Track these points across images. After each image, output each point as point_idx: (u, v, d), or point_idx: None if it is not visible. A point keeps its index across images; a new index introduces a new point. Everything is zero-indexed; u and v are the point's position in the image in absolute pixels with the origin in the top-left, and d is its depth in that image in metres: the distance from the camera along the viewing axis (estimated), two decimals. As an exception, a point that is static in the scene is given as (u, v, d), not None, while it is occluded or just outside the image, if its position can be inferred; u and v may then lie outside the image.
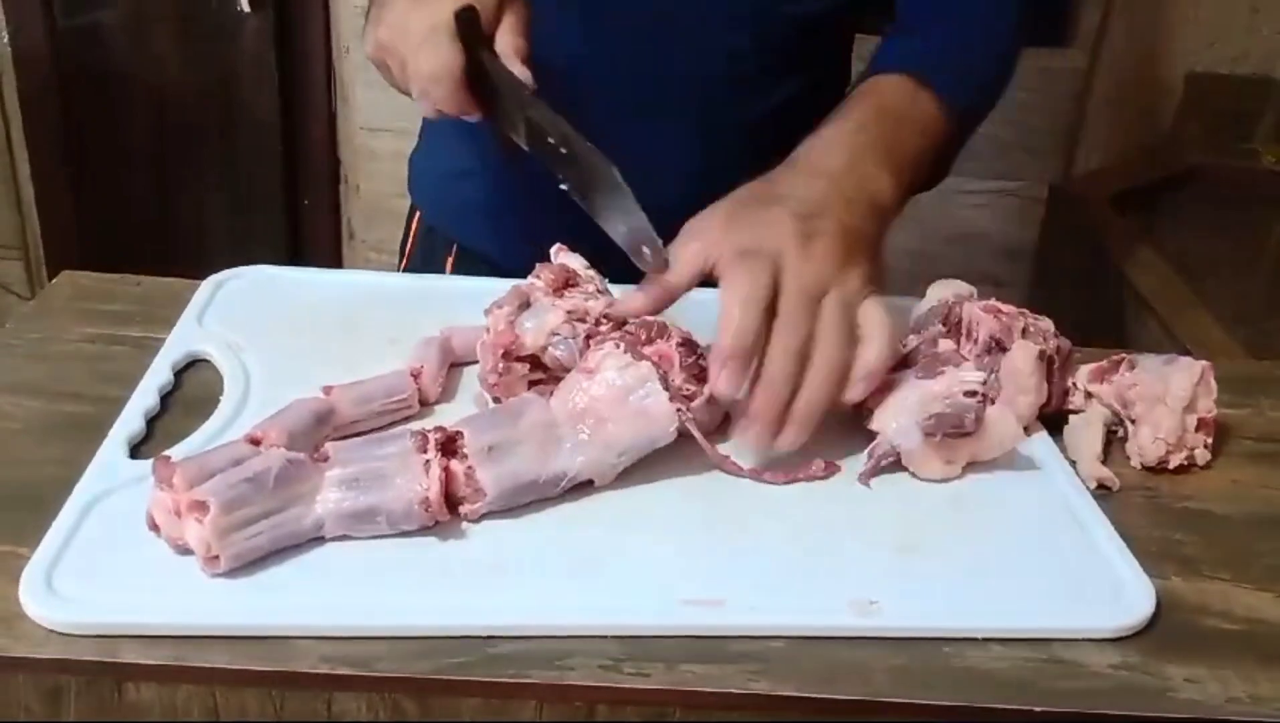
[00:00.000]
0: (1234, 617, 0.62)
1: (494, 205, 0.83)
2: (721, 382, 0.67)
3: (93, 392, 0.73)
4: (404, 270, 1.13)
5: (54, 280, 0.87)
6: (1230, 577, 0.65)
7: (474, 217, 1.00)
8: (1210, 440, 0.74)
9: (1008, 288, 2.00)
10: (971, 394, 0.68)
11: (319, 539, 0.60)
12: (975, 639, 0.59)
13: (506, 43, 0.78)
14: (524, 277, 0.75)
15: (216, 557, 0.57)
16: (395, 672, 0.55)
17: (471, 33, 0.76)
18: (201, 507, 0.56)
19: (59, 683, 0.55)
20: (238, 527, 0.57)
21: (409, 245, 1.13)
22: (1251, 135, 2.12)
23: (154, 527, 0.59)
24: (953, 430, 0.68)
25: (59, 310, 0.83)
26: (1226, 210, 2.00)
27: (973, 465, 0.71)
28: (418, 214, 1.11)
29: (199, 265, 0.91)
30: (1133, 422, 0.75)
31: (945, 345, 0.74)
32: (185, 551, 0.58)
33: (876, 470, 0.69)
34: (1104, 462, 0.73)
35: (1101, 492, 0.71)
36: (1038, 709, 0.55)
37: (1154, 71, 2.12)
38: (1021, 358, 0.74)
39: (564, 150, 0.72)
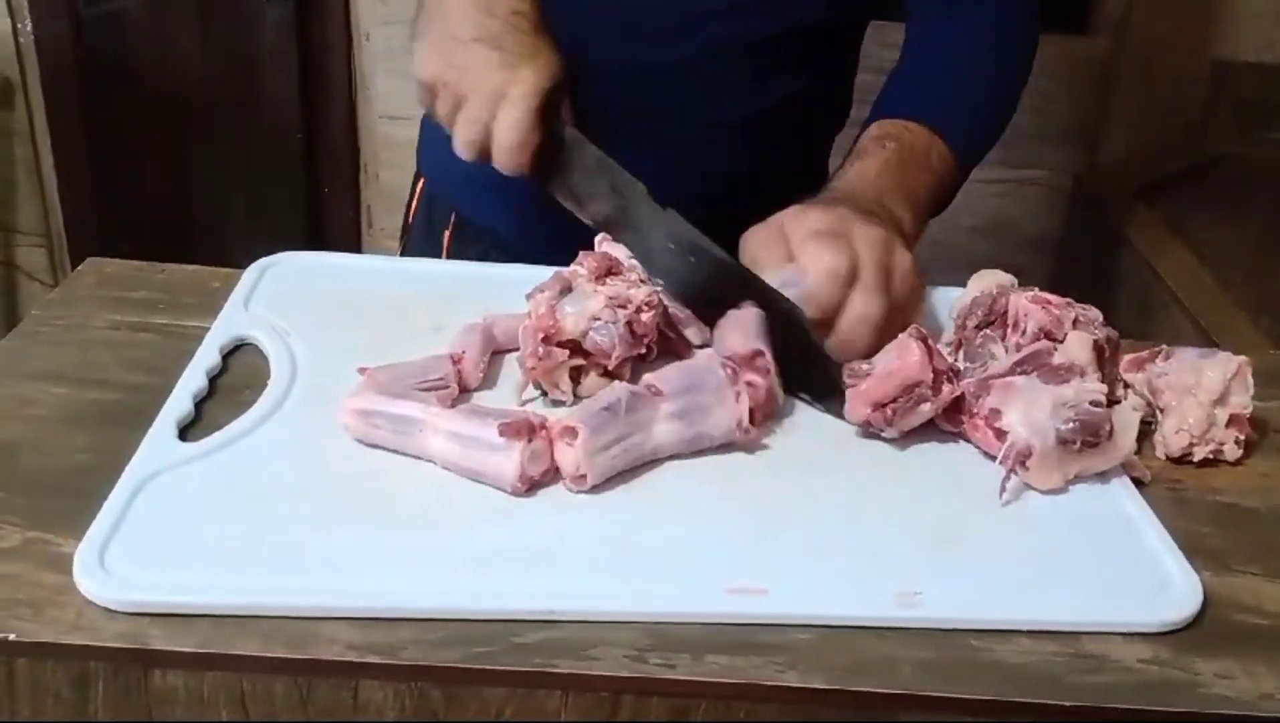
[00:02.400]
0: (1265, 612, 0.62)
1: (496, 178, 0.85)
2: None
3: (119, 379, 0.73)
4: (404, 237, 1.15)
5: (79, 268, 0.87)
6: (1261, 571, 0.65)
7: (475, 188, 0.99)
8: (1242, 437, 0.73)
9: (1030, 278, 1.99)
10: (1097, 405, 0.68)
11: (349, 524, 0.61)
12: (1004, 633, 0.58)
13: (568, 119, 0.83)
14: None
15: (584, 475, 0.65)
16: (421, 660, 0.55)
17: (549, 108, 0.80)
18: (572, 431, 0.64)
19: (87, 669, 0.56)
20: (601, 448, 0.65)
21: (410, 213, 1.14)
22: (1278, 124, 2.10)
23: (528, 481, 0.65)
24: (1090, 439, 0.68)
25: (84, 298, 0.83)
26: (1252, 200, 1.98)
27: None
28: (421, 181, 1.12)
29: (219, 254, 0.91)
30: (1161, 412, 0.75)
31: (1060, 357, 0.73)
32: (533, 485, 0.65)
33: (1010, 473, 0.68)
34: (1136, 453, 0.73)
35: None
36: (1067, 704, 0.55)
37: (1179, 60, 2.10)
38: (1078, 348, 0.73)
39: (692, 259, 0.78)
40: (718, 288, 0.77)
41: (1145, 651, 0.58)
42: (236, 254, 0.88)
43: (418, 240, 1.11)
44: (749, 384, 0.70)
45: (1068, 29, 2.09)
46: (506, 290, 0.79)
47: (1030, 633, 0.58)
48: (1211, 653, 0.58)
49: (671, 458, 0.69)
